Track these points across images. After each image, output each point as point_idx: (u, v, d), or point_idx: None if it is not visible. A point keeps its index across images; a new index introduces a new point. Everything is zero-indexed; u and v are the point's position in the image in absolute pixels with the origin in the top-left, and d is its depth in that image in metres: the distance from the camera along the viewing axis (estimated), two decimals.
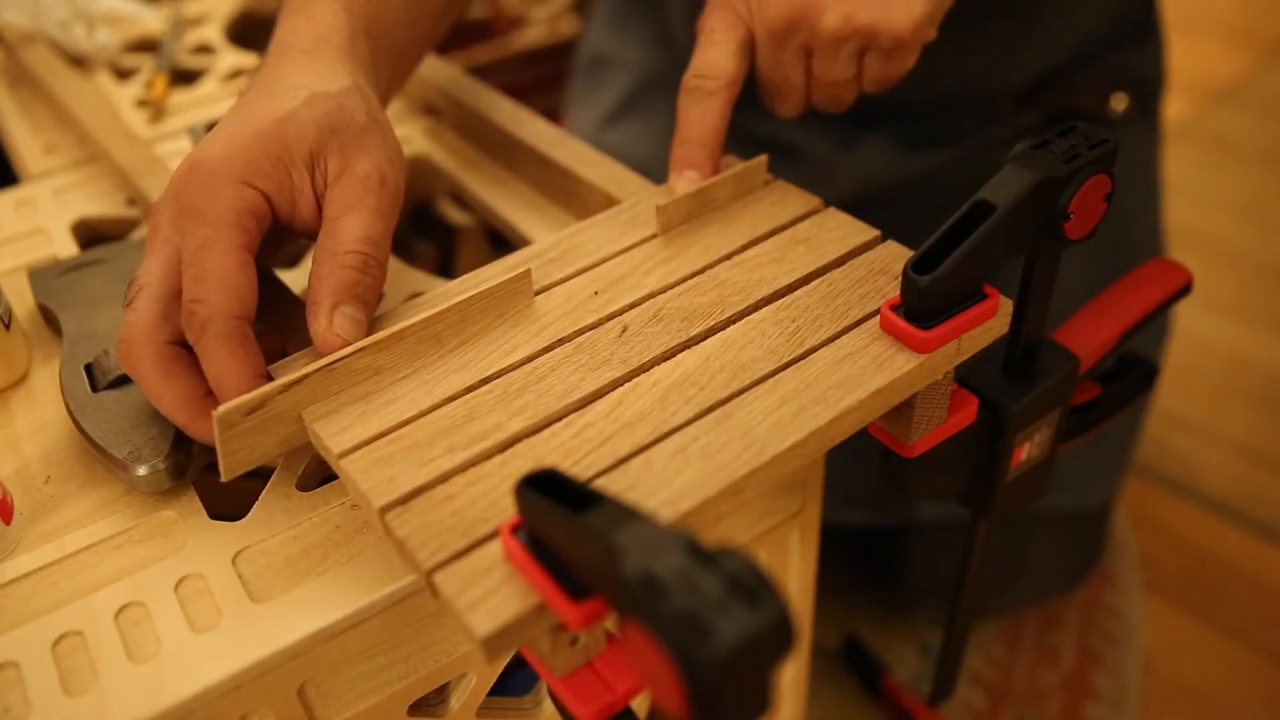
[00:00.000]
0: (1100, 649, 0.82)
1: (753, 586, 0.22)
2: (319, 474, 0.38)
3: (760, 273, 0.41)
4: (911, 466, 0.41)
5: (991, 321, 0.37)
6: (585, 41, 0.88)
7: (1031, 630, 0.84)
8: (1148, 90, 0.74)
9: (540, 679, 0.43)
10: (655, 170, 0.50)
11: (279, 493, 0.37)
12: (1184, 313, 1.10)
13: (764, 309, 0.39)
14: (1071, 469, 0.72)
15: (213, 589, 0.34)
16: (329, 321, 0.36)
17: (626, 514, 0.25)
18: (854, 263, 0.41)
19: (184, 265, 0.36)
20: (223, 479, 0.35)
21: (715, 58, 0.45)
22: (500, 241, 0.66)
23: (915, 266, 0.35)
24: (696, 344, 0.37)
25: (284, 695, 0.33)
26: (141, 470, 0.36)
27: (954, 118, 0.71)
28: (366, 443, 0.34)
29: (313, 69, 0.41)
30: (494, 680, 0.40)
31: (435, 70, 0.63)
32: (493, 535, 0.30)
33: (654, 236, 0.43)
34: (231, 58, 0.72)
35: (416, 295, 0.43)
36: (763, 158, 0.46)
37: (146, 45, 0.76)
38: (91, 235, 0.56)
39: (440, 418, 0.35)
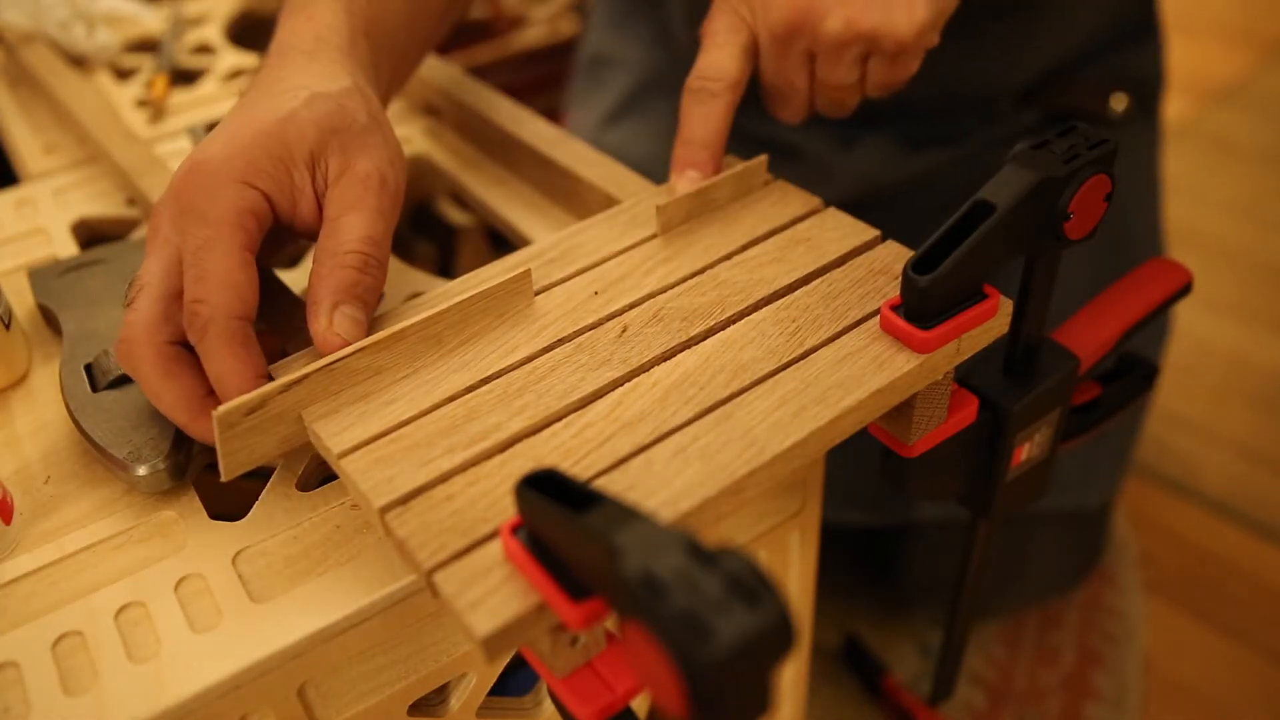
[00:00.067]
0: (1100, 649, 0.82)
1: (753, 586, 0.22)
2: (319, 474, 0.38)
3: (760, 273, 0.41)
4: (911, 466, 0.41)
5: (991, 321, 0.37)
6: (585, 41, 0.88)
7: (1031, 630, 0.84)
8: (1148, 90, 0.74)
9: (540, 679, 0.43)
10: (655, 170, 0.50)
11: (279, 493, 0.37)
12: (1184, 313, 1.10)
13: (764, 309, 0.39)
14: (1071, 469, 0.72)
15: (213, 589, 0.34)
16: (329, 321, 0.36)
17: (626, 514, 0.25)
18: (854, 263, 0.41)
19: (185, 265, 0.36)
20: (223, 479, 0.35)
21: (719, 60, 0.46)
22: (500, 241, 0.66)
23: (915, 266, 0.35)
24: (696, 344, 0.37)
25: (284, 695, 0.33)
26: (141, 470, 0.36)
27: (954, 118, 0.71)
28: (366, 443, 0.34)
29: (313, 69, 0.41)
30: (494, 680, 0.40)
31: (435, 70, 0.63)
32: (493, 535, 0.30)
33: (654, 236, 0.43)
34: (231, 58, 0.72)
35: (416, 295, 0.43)
36: (763, 158, 0.46)
37: (146, 45, 0.76)
38: (91, 235, 0.56)
39: (440, 418, 0.35)
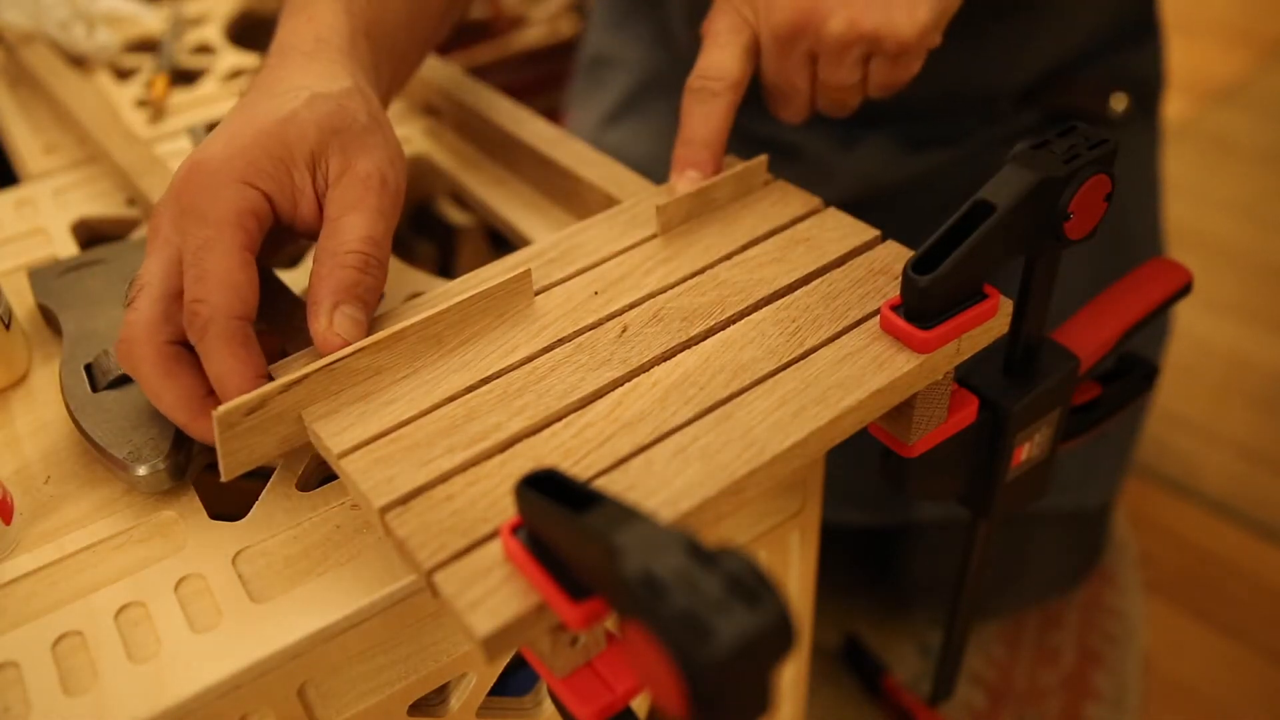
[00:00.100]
0: (1100, 649, 0.82)
1: (753, 586, 0.22)
2: (319, 474, 0.38)
3: (760, 273, 0.41)
4: (911, 466, 0.41)
5: (991, 321, 0.37)
6: (585, 41, 0.88)
7: (1031, 630, 0.84)
8: (1147, 90, 0.74)
9: (540, 679, 0.43)
10: (655, 170, 0.50)
11: (279, 493, 0.37)
12: (1184, 313, 1.10)
13: (764, 309, 0.39)
14: (1071, 469, 0.72)
15: (213, 589, 0.34)
16: (329, 321, 0.36)
17: (626, 514, 0.25)
18: (854, 263, 0.41)
19: (185, 265, 0.36)
20: (223, 479, 0.35)
21: (720, 60, 0.46)
22: (500, 241, 0.66)
23: (915, 266, 0.35)
24: (696, 344, 0.37)
25: (284, 695, 0.33)
26: (141, 470, 0.36)
27: (954, 118, 0.71)
28: (366, 443, 0.34)
29: (313, 70, 0.41)
30: (494, 680, 0.40)
31: (435, 70, 0.63)
32: (493, 535, 0.30)
33: (654, 236, 0.43)
34: (231, 58, 0.72)
35: (416, 295, 0.43)
36: (763, 158, 0.46)
37: (146, 45, 0.76)
38: (91, 235, 0.56)
39: (440, 418, 0.35)
